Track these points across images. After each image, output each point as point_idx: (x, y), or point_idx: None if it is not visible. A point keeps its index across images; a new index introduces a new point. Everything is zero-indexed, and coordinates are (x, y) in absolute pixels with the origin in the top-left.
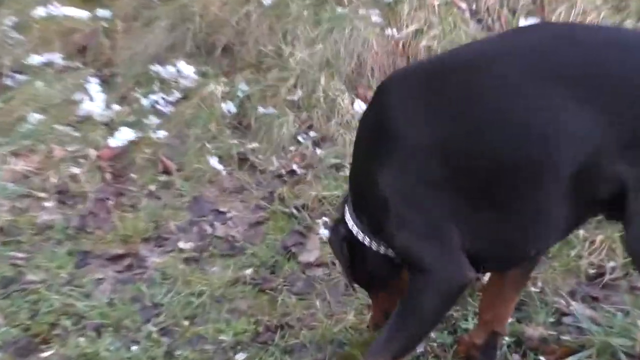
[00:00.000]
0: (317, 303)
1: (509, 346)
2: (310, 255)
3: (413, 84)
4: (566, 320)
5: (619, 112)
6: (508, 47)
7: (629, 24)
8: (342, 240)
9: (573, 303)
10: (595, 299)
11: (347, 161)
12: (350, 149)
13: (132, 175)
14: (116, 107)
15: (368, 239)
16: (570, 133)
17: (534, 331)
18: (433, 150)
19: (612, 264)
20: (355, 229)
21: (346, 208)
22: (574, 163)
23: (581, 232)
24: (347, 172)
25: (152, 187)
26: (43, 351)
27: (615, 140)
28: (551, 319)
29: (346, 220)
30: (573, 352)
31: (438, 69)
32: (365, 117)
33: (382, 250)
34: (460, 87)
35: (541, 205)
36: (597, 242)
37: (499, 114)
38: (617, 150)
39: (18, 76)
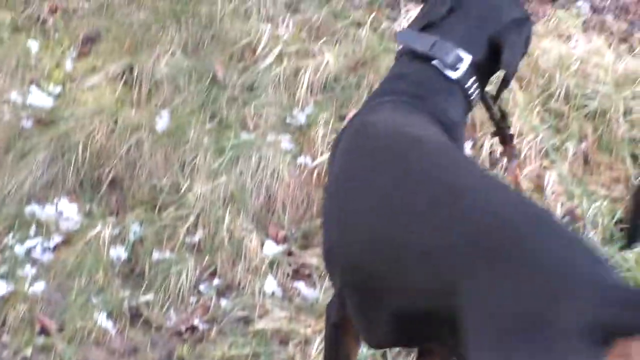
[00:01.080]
0: None
1: None
2: None
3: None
4: None
5: None
6: None
7: (569, 145)
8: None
9: None
10: None
11: (257, 313)
12: (260, 298)
13: (3, 339)
14: None
15: None
16: None
17: None
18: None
19: None
20: None
21: None
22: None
23: None
24: (257, 326)
25: (28, 352)
26: None
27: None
28: None
29: None
30: None
31: None
32: None
33: None
34: None
35: None
36: None
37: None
38: None
39: None
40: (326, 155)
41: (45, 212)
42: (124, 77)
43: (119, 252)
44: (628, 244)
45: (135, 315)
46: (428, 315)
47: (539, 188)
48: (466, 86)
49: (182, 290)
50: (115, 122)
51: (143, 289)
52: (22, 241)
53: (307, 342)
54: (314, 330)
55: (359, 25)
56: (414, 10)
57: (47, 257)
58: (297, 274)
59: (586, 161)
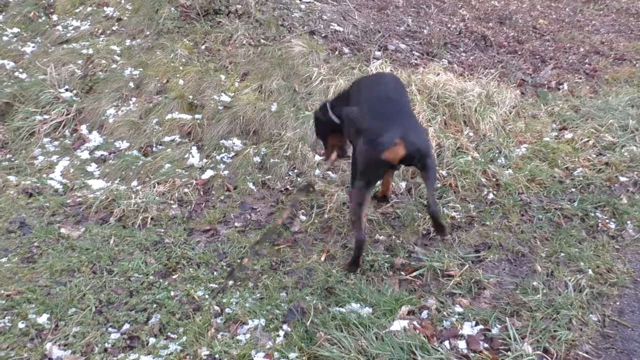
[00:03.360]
0: (299, 250)
1: (386, 267)
2: (295, 227)
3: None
4: (413, 255)
5: None
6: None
7: (438, 117)
8: (320, 116)
9: (416, 247)
10: (425, 245)
11: (313, 182)
12: (314, 178)
13: (212, 191)
14: (204, 159)
15: (334, 117)
16: None
17: (398, 260)
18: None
19: (432, 229)
20: (330, 112)
21: (327, 105)
22: None
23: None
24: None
25: (222, 197)
26: (172, 275)
27: None
28: (406, 255)
29: (328, 109)
30: (416, 269)
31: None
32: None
33: (338, 121)
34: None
35: None
36: (427, 219)
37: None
38: None
39: (160, 147)
40: None
41: (226, 143)
42: (258, 89)
43: (256, 159)
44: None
45: (263, 183)
46: None
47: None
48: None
49: (280, 173)
50: (254, 107)
51: (265, 172)
52: (219, 153)
53: (330, 196)
54: (333, 192)
55: (352, 68)
56: (378, 62)
57: (229, 160)
58: (328, 168)
59: (445, 124)
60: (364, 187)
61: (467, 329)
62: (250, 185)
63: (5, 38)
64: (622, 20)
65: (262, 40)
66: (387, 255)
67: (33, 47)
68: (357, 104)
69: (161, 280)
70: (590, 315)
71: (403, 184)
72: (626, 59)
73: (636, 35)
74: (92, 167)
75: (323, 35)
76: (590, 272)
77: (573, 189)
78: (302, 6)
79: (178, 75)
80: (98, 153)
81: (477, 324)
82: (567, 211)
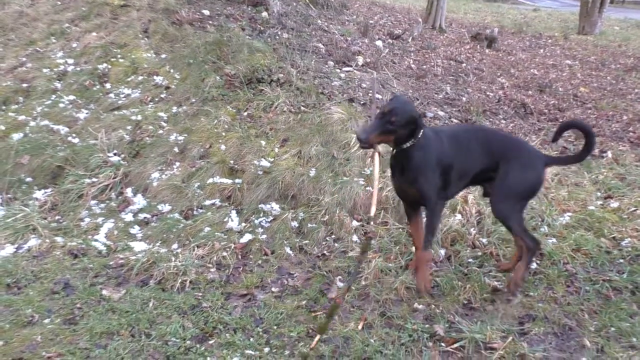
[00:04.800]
0: (336, 317)
1: (426, 338)
2: (332, 293)
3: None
4: (453, 326)
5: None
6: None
7: None
8: None
9: (456, 317)
10: (466, 315)
11: (348, 249)
12: (350, 244)
13: (250, 255)
14: (242, 223)
15: None
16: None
17: (439, 330)
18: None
19: (477, 299)
20: None
21: None
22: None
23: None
24: (350, 254)
25: (259, 261)
26: (209, 340)
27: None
28: (446, 325)
29: None
30: (457, 341)
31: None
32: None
33: None
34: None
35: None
36: (467, 288)
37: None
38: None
39: (200, 210)
40: (379, 186)
41: (265, 207)
42: (297, 155)
43: (294, 224)
44: None
45: (300, 248)
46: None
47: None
48: None
49: (318, 238)
50: (293, 172)
51: (303, 237)
52: (258, 217)
53: (368, 262)
54: (370, 258)
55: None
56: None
57: (267, 225)
58: (365, 234)
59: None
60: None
61: None
62: (288, 250)
63: (61, 105)
64: None
65: (302, 108)
66: (427, 325)
67: (86, 113)
68: None
69: (198, 346)
70: None
71: (442, 252)
72: None
73: None
74: (135, 230)
75: (362, 102)
76: None
77: (621, 260)
78: (342, 75)
79: (220, 141)
80: (141, 216)
81: None
82: (616, 283)
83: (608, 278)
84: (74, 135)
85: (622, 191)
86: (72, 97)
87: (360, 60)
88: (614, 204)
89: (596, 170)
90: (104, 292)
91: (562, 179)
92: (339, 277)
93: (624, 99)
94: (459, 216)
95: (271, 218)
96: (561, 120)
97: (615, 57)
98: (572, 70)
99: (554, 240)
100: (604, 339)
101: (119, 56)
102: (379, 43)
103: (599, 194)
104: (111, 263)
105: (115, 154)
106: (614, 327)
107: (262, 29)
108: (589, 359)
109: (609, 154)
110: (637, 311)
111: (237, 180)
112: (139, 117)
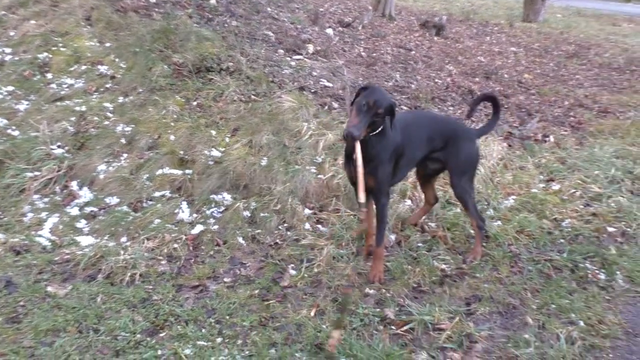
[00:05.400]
0: (289, 305)
1: (376, 322)
2: (284, 281)
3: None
4: (403, 309)
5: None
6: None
7: None
8: None
9: (406, 300)
10: (416, 298)
11: (301, 236)
12: (303, 232)
13: (202, 247)
14: (194, 214)
15: None
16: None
17: (390, 313)
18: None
19: (427, 282)
20: None
21: None
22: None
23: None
24: (302, 242)
25: (211, 252)
26: (160, 333)
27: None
28: (397, 309)
29: None
30: (406, 323)
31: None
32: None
33: None
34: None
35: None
36: (417, 272)
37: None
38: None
39: (150, 202)
40: (330, 174)
41: (216, 197)
42: (249, 144)
43: (246, 213)
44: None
45: (253, 237)
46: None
47: None
48: None
49: (270, 227)
50: (244, 161)
51: (255, 227)
52: (209, 208)
53: (320, 249)
54: (322, 245)
55: (342, 122)
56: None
57: (219, 215)
58: (317, 222)
59: None
60: None
61: None
62: (240, 239)
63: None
64: (605, 74)
65: (252, 96)
66: (378, 310)
67: (27, 104)
68: None
69: (148, 339)
70: None
71: (393, 237)
72: (610, 111)
73: (618, 89)
74: (82, 224)
75: (312, 90)
76: (581, 323)
77: (562, 240)
78: (292, 63)
79: (169, 131)
80: (88, 209)
81: None
82: (557, 262)
83: (549, 258)
84: (13, 127)
85: (563, 174)
86: (10, 88)
87: (311, 48)
88: (556, 187)
89: (539, 154)
90: (49, 288)
91: (507, 164)
92: (292, 265)
93: (565, 84)
94: (408, 202)
95: (223, 208)
96: (506, 106)
97: (558, 44)
98: (517, 57)
99: (499, 222)
100: (545, 315)
101: (60, 45)
102: (330, 31)
103: (541, 177)
104: (56, 259)
105: (58, 147)
106: (554, 304)
107: (210, 16)
108: (531, 336)
109: (551, 138)
110: (576, 288)
111: (187, 171)
112: (84, 108)
